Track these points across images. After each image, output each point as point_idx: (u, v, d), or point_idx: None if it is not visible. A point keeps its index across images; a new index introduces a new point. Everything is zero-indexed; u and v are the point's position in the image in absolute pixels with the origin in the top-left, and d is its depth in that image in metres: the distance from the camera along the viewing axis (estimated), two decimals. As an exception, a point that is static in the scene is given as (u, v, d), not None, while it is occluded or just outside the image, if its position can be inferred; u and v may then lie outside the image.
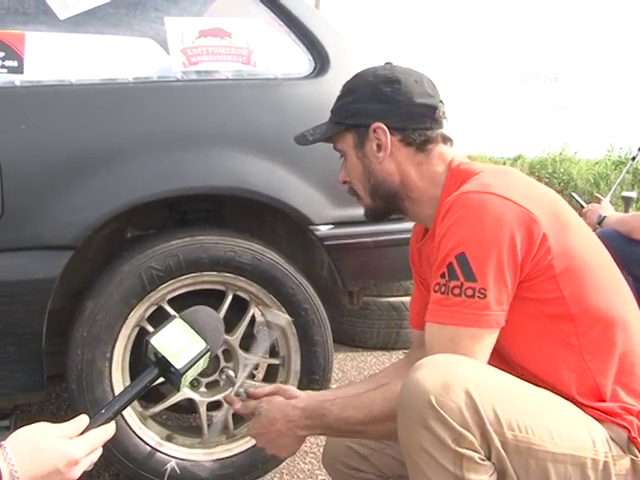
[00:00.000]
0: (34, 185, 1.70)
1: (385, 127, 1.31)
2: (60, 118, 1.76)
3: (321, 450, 2.27)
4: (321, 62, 2.02)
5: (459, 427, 1.07)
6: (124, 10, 1.92)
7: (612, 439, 1.17)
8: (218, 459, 1.93)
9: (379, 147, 1.33)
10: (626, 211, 3.37)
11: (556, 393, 1.20)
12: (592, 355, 1.21)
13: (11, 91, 1.75)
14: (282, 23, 2.03)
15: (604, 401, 1.21)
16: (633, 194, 3.65)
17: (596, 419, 1.19)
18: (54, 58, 1.81)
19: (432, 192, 1.33)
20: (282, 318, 1.61)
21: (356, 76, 1.39)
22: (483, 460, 1.10)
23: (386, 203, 1.37)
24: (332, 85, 1.93)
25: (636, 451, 1.17)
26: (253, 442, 1.94)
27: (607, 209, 2.90)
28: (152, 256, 1.78)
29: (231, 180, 1.85)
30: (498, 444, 1.09)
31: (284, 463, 2.03)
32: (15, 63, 1.76)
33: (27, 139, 1.70)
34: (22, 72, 1.76)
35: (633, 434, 1.17)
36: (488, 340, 1.17)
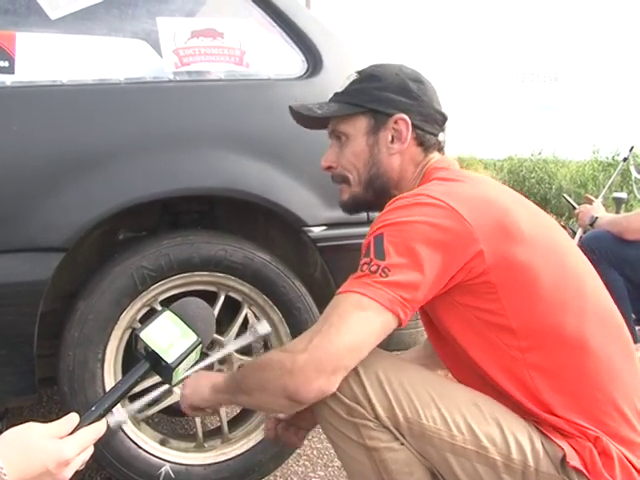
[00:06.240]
0: (25, 186, 1.69)
1: (409, 120, 1.32)
2: (52, 119, 1.75)
3: (314, 453, 2.27)
4: (314, 63, 2.01)
5: (348, 401, 1.14)
6: (116, 10, 1.91)
7: (547, 454, 1.13)
8: (213, 463, 1.91)
9: (393, 139, 1.33)
10: (617, 212, 3.39)
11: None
12: (538, 373, 1.17)
13: (2, 91, 1.74)
14: (274, 23, 2.02)
15: (554, 415, 1.16)
16: (624, 195, 3.68)
17: (539, 430, 1.15)
18: (45, 58, 1.80)
19: None
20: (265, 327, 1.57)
21: (379, 66, 1.39)
22: (380, 427, 1.14)
23: (375, 197, 1.36)
24: (325, 86, 1.93)
25: (574, 476, 1.11)
26: (249, 445, 1.94)
27: (599, 210, 2.91)
28: (143, 255, 1.77)
29: (224, 181, 1.84)
30: (388, 422, 1.14)
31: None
32: (6, 63, 1.74)
33: (18, 140, 1.68)
34: (13, 72, 1.74)
35: (568, 459, 1.11)
36: (371, 318, 1.10)
